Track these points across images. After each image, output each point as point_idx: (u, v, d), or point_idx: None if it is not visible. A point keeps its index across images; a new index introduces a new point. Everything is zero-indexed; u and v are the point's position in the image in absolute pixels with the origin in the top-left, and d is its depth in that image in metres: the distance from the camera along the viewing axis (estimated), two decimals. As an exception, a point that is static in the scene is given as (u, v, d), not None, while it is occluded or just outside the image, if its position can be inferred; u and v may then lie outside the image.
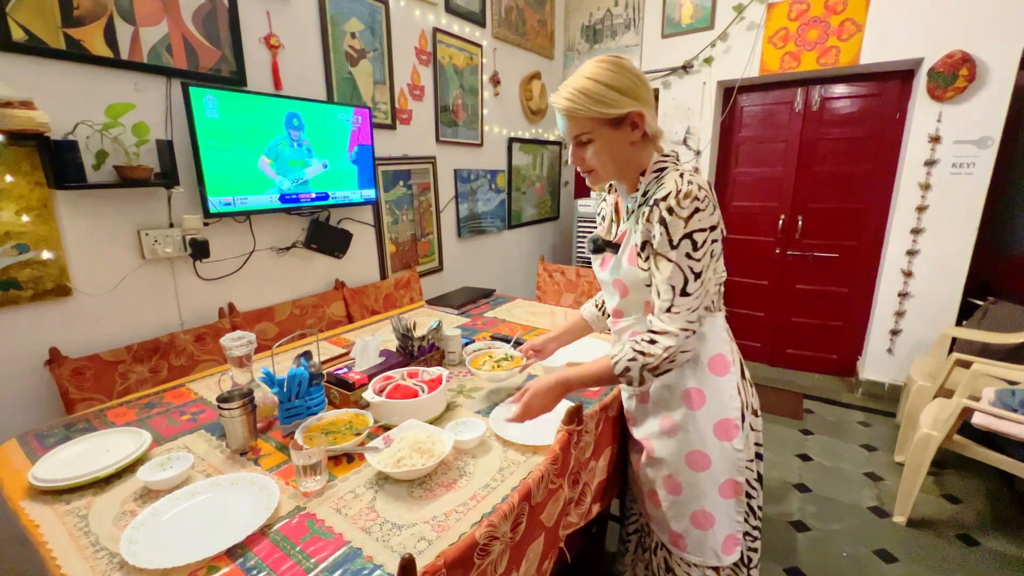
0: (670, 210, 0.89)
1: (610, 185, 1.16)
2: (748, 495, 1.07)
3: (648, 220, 0.94)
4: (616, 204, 1.14)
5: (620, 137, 0.96)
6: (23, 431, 1.21)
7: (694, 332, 0.92)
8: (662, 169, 0.97)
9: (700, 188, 0.89)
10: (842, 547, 1.84)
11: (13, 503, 0.95)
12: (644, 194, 0.98)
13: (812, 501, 2.09)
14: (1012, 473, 1.74)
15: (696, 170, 0.96)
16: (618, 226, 1.12)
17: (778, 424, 2.71)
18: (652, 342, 0.93)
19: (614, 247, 1.07)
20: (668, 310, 0.92)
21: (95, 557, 0.80)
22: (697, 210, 0.88)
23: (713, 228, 0.91)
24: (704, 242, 0.90)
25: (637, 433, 1.18)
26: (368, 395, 1.23)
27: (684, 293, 0.91)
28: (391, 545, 0.82)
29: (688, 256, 0.90)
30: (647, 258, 0.97)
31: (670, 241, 0.90)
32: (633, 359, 0.94)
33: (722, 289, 1.04)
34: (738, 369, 1.05)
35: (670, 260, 0.91)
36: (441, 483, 0.99)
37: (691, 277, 0.90)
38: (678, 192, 0.89)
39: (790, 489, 2.17)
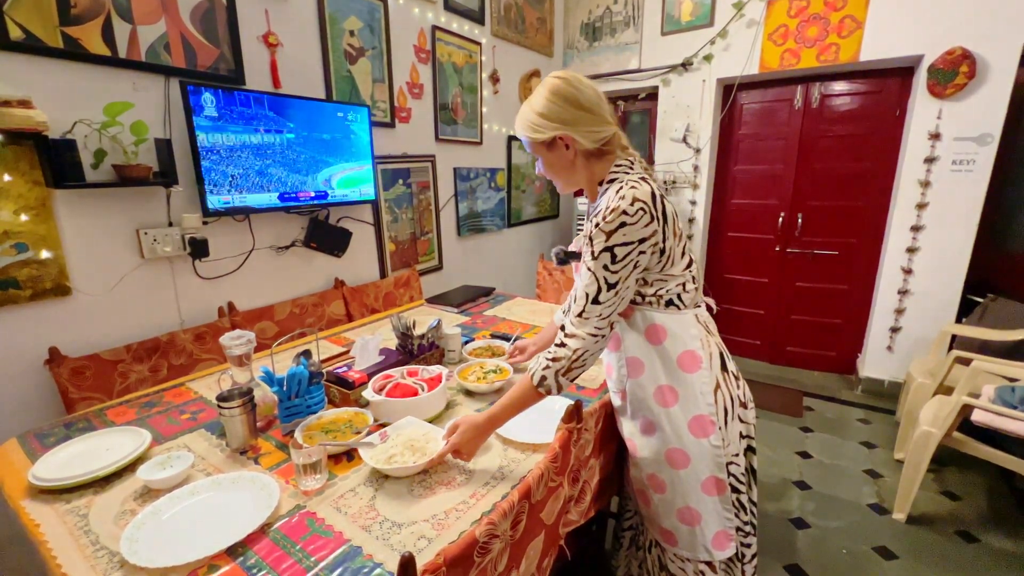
0: (596, 224, 0.95)
1: None
2: (736, 490, 1.07)
3: (586, 235, 1.00)
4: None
5: (557, 157, 1.05)
6: (23, 431, 1.21)
7: (603, 336, 0.98)
8: (612, 180, 1.02)
9: (634, 201, 0.93)
10: (842, 544, 1.84)
11: (13, 502, 0.95)
12: (595, 207, 1.06)
13: (812, 498, 2.10)
14: (1012, 470, 1.74)
15: (644, 179, 0.98)
16: None
17: (778, 421, 2.71)
18: (562, 345, 0.99)
19: (576, 256, 1.12)
20: (580, 315, 0.98)
21: (95, 556, 0.80)
22: (623, 224, 0.92)
23: (644, 239, 0.94)
24: (626, 255, 0.94)
25: (623, 431, 1.19)
26: (368, 393, 1.23)
27: (596, 301, 0.96)
28: (391, 543, 0.82)
29: (605, 267, 0.95)
30: None
31: (592, 252, 0.96)
32: (547, 367, 0.98)
33: (691, 287, 1.04)
34: (715, 364, 1.05)
35: (589, 268, 0.97)
36: (441, 481, 0.99)
37: (604, 287, 0.95)
38: (607, 208, 0.95)
39: (790, 486, 2.17)
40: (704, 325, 1.07)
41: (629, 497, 1.34)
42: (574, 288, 1.06)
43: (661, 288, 1.01)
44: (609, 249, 0.94)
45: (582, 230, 1.25)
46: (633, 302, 1.03)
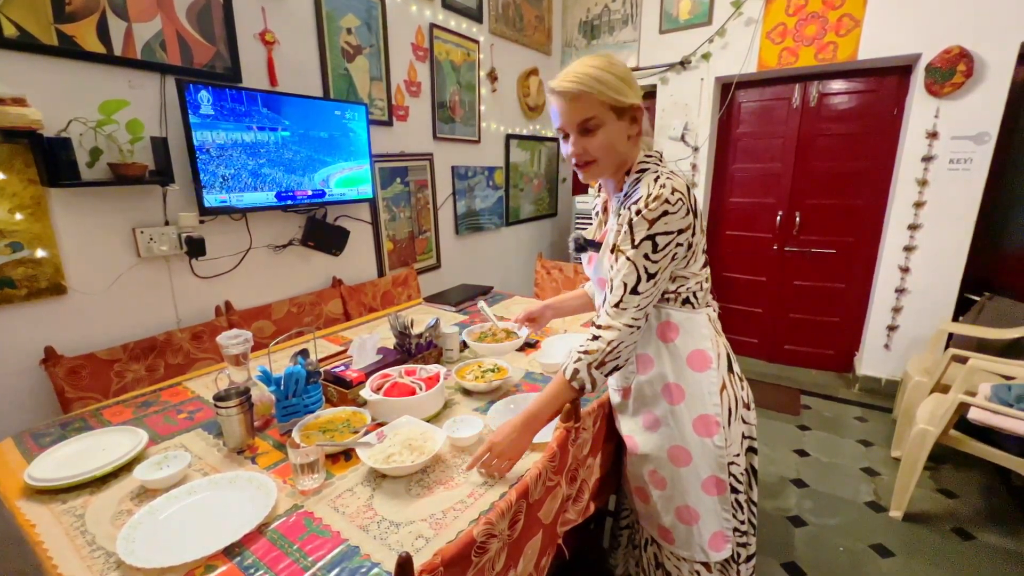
0: (638, 212, 0.92)
1: (599, 185, 1.19)
2: (735, 490, 1.07)
3: (621, 223, 0.97)
4: (605, 203, 1.17)
5: (621, 129, 0.97)
6: (19, 430, 1.21)
7: (639, 328, 0.96)
8: (643, 170, 0.99)
9: (674, 191, 0.91)
10: (839, 542, 1.85)
11: (9, 502, 0.95)
12: (626, 196, 1.00)
13: (809, 496, 2.10)
14: (1008, 468, 1.75)
15: (674, 172, 0.98)
16: (604, 225, 1.14)
17: (775, 420, 2.72)
18: (595, 338, 0.96)
19: (596, 246, 1.10)
20: (616, 305, 0.95)
21: (92, 556, 0.80)
22: (666, 212, 0.91)
23: (682, 231, 0.93)
24: (667, 244, 0.92)
25: (622, 429, 1.18)
26: (366, 393, 1.22)
27: (635, 291, 0.94)
28: (389, 543, 0.82)
29: (646, 256, 0.93)
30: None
31: (632, 240, 0.93)
32: (579, 360, 0.97)
33: (706, 286, 1.04)
34: (722, 364, 1.05)
35: (628, 258, 0.94)
36: (439, 481, 0.99)
37: (644, 277, 0.93)
38: (648, 195, 0.92)
39: (787, 484, 2.18)
40: (714, 325, 1.07)
41: (627, 495, 1.34)
42: (602, 286, 1.04)
43: (682, 285, 1.01)
44: (651, 237, 0.91)
45: (583, 228, 1.25)
46: None
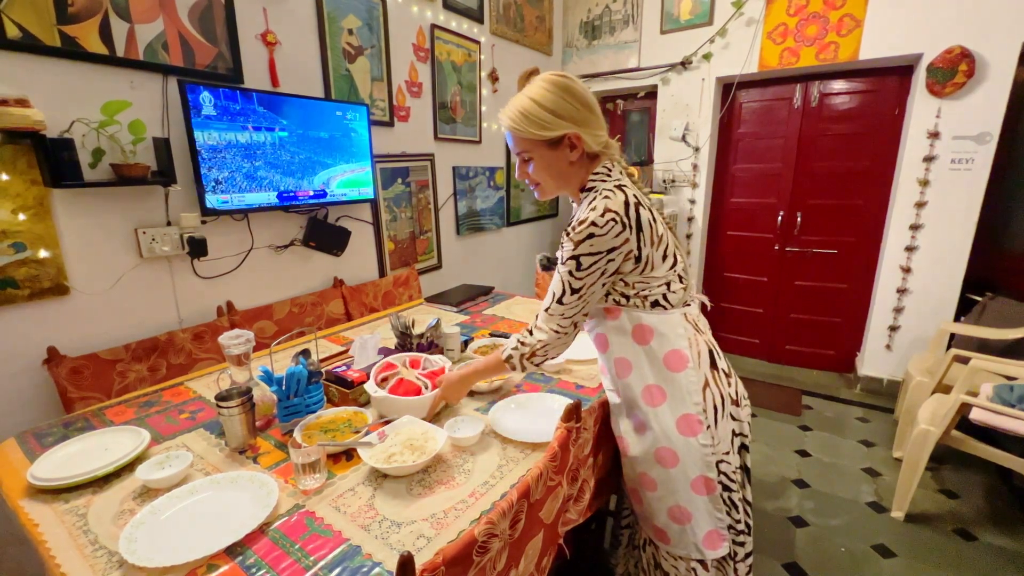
0: (567, 233, 0.99)
1: None
2: (727, 488, 1.06)
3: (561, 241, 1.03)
4: None
5: (559, 156, 1.02)
6: (21, 430, 1.21)
7: (566, 334, 1.05)
8: (591, 189, 1.03)
9: (605, 212, 0.94)
10: (840, 542, 1.85)
11: (12, 502, 0.95)
12: (573, 214, 1.06)
13: (810, 497, 2.10)
14: (1009, 468, 1.74)
15: (620, 187, 0.99)
16: None
17: (777, 420, 2.71)
18: (530, 332, 1.08)
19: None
20: (546, 310, 1.05)
21: (94, 556, 0.80)
22: (591, 235, 0.95)
23: (614, 249, 0.96)
24: (592, 264, 0.97)
25: (617, 430, 1.19)
26: (370, 387, 1.22)
27: (560, 302, 1.02)
28: (390, 542, 0.82)
29: (570, 273, 0.99)
30: None
31: (561, 257, 1.01)
32: (515, 347, 1.09)
33: (678, 286, 1.03)
34: (703, 362, 1.04)
35: (558, 272, 1.02)
36: (440, 480, 0.99)
37: (568, 291, 1.01)
38: (578, 219, 0.97)
39: (789, 485, 2.18)
40: (693, 323, 1.06)
41: (627, 495, 1.34)
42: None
43: (643, 290, 1.02)
44: (575, 258, 0.97)
45: None
46: (618, 303, 1.03)
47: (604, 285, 1.01)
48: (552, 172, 1.05)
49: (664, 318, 1.03)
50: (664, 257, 1.02)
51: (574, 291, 1.00)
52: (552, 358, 1.09)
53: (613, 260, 0.98)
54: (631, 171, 1.10)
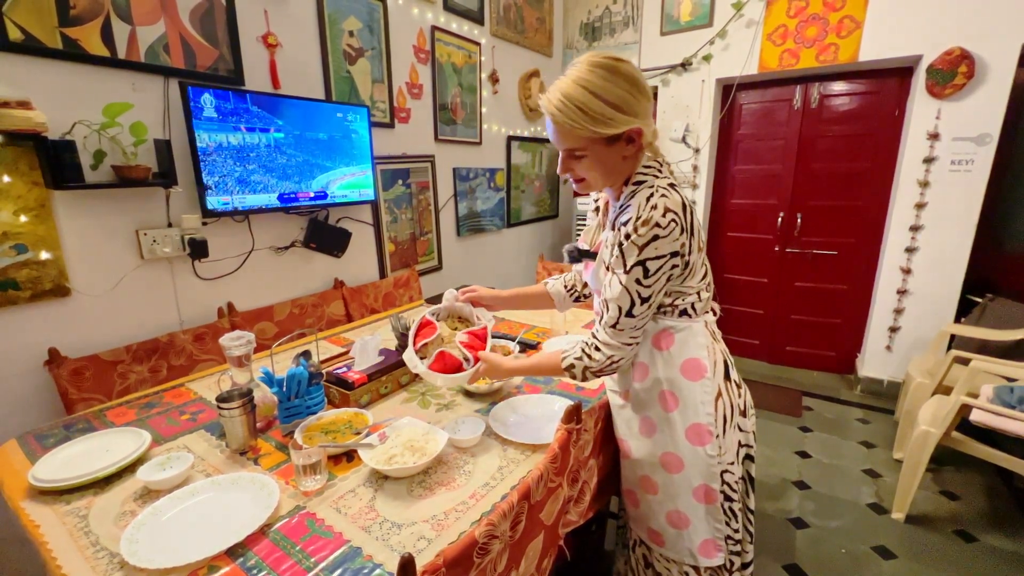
0: (627, 236, 0.90)
1: None
2: (729, 498, 1.06)
3: (614, 243, 0.95)
4: (606, 203, 1.13)
5: (615, 152, 0.93)
6: (23, 432, 1.21)
7: (638, 343, 1.00)
8: (641, 182, 0.95)
9: (666, 212, 0.88)
10: (841, 544, 1.85)
11: (13, 503, 0.95)
12: (621, 208, 0.97)
13: (811, 498, 2.10)
14: (1010, 469, 1.74)
15: (674, 187, 0.93)
16: (602, 229, 1.13)
17: (777, 421, 2.71)
18: (598, 349, 1.00)
19: (591, 255, 1.08)
20: (614, 326, 0.97)
21: (95, 557, 0.80)
22: (656, 237, 0.88)
23: (675, 253, 0.91)
24: (659, 268, 0.91)
25: (618, 432, 1.18)
26: (408, 356, 1.13)
27: (630, 315, 0.95)
28: (391, 544, 0.82)
29: (638, 282, 0.92)
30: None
31: (624, 265, 0.92)
32: (579, 358, 1.02)
33: (705, 295, 1.02)
34: (718, 372, 1.04)
35: (621, 282, 0.93)
36: (440, 482, 0.99)
37: (638, 301, 0.94)
38: (638, 219, 0.89)
39: (789, 486, 2.18)
40: (711, 332, 1.06)
41: (621, 496, 1.34)
42: (600, 294, 1.02)
43: (678, 299, 0.99)
44: (642, 263, 0.90)
45: (584, 227, 1.22)
46: None
47: (665, 291, 0.96)
48: (604, 168, 0.94)
49: (687, 325, 1.02)
50: (701, 265, 0.99)
51: (644, 300, 0.93)
52: (618, 371, 1.04)
53: (676, 265, 0.92)
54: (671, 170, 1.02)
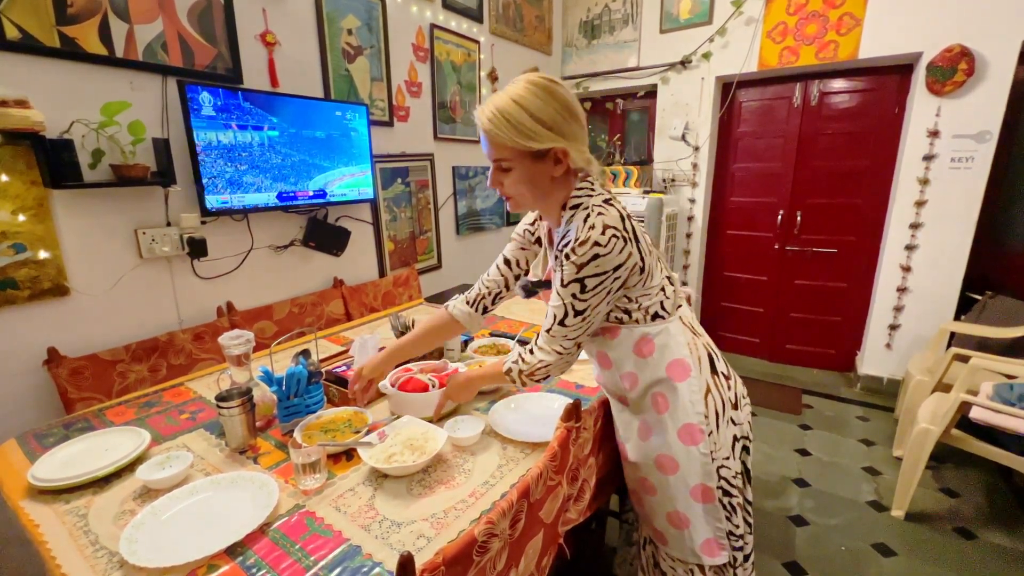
0: (567, 256, 0.92)
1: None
2: (728, 493, 1.06)
3: (556, 265, 0.97)
4: (549, 233, 1.15)
5: (541, 170, 0.94)
6: (22, 431, 1.21)
7: (569, 354, 1.02)
8: (577, 206, 0.96)
9: (605, 229, 0.89)
10: (841, 541, 1.85)
11: (13, 503, 0.95)
12: (562, 236, 0.98)
13: (811, 496, 2.10)
14: (1010, 467, 1.74)
15: (609, 202, 0.94)
16: (549, 259, 1.14)
17: (777, 419, 2.71)
18: (532, 352, 1.04)
19: (545, 284, 1.11)
20: (548, 331, 1.00)
21: (95, 556, 0.80)
22: (596, 256, 0.90)
23: (620, 266, 0.92)
24: (598, 285, 0.93)
25: (618, 434, 1.19)
26: (383, 386, 1.24)
27: (562, 324, 0.98)
28: (390, 542, 0.82)
29: (574, 296, 0.94)
30: None
31: (562, 279, 0.95)
32: (516, 362, 1.05)
33: (671, 290, 1.03)
34: (704, 368, 1.04)
35: (558, 292, 0.97)
36: (440, 480, 0.99)
37: (571, 313, 0.96)
38: (577, 239, 0.91)
39: (789, 484, 2.18)
40: (690, 327, 1.05)
41: (629, 494, 1.34)
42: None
43: (646, 302, 1.00)
44: (579, 280, 0.92)
45: (532, 229, 1.24)
46: (620, 321, 1.01)
47: (608, 304, 0.98)
48: (531, 186, 0.96)
49: (664, 327, 1.02)
50: (656, 262, 1.01)
51: (578, 313, 0.95)
52: (553, 377, 1.06)
53: (619, 277, 0.93)
54: (604, 185, 1.04)
